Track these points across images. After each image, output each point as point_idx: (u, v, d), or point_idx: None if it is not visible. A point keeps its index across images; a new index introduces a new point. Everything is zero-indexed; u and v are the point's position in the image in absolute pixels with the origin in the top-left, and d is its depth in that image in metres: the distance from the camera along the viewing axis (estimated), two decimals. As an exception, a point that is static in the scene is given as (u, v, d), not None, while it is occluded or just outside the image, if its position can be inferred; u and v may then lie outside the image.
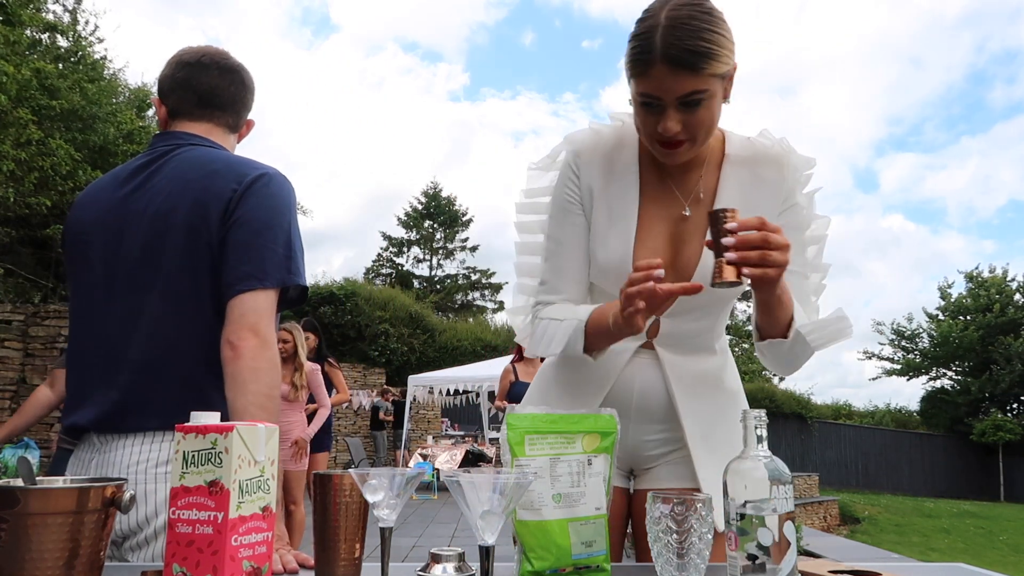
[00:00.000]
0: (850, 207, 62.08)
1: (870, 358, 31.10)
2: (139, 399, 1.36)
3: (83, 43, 12.59)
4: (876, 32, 59.15)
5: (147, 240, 1.41)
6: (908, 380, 30.54)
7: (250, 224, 1.39)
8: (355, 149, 59.38)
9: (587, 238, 1.43)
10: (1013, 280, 29.04)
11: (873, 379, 36.07)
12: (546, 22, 61.44)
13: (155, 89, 1.65)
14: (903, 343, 30.33)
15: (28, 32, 10.27)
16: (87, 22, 13.07)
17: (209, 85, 1.55)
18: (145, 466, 1.33)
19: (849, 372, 59.23)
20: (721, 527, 1.02)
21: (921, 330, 29.96)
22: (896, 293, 59.95)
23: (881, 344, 30.76)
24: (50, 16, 11.48)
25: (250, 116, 1.67)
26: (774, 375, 34.13)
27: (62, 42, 12.02)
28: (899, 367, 30.30)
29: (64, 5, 12.51)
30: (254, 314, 1.35)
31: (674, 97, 1.22)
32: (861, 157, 62.31)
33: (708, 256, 1.26)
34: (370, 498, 0.97)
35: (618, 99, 62.12)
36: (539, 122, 62.33)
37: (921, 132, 60.86)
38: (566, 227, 1.44)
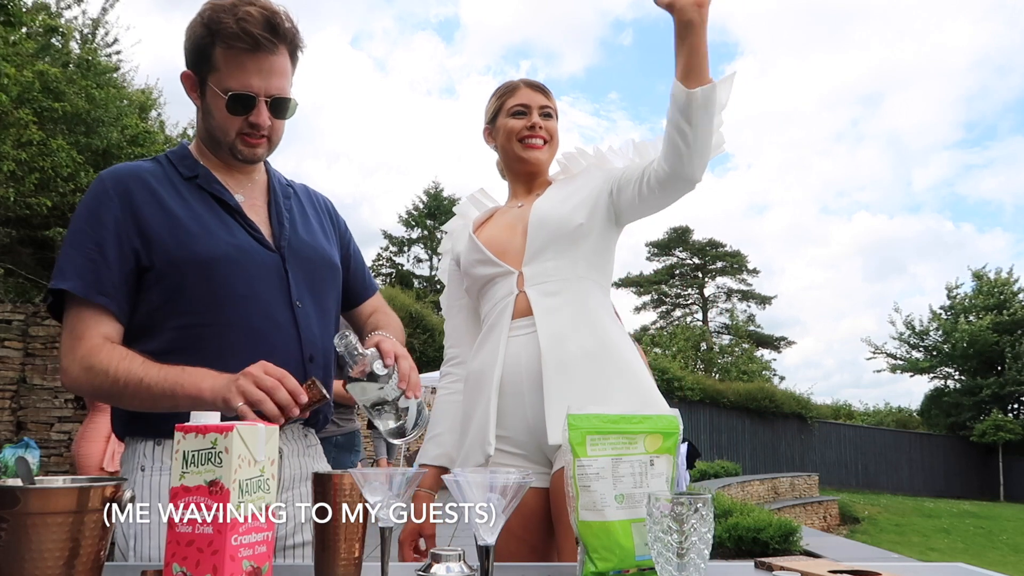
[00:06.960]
0: (901, 206, 61.51)
1: (876, 352, 30.82)
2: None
3: (98, 53, 12.45)
4: (955, 36, 57.77)
5: None
6: (912, 376, 30.28)
7: None
8: (381, 149, 59.45)
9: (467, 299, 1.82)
10: (1017, 280, 28.97)
11: (878, 372, 35.68)
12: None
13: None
14: (911, 339, 30.11)
15: (28, 33, 10.23)
16: (107, 33, 12.98)
17: None
18: None
19: (864, 372, 58.35)
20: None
21: (932, 327, 29.68)
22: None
23: (893, 342, 30.45)
24: (62, 20, 11.37)
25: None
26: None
27: (74, 47, 11.91)
28: (903, 363, 30.09)
29: (87, 13, 12.40)
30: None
31: (538, 105, 1.77)
32: (927, 159, 61.88)
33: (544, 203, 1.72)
34: (370, 498, 0.97)
35: (644, 101, 62.07)
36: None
37: (994, 135, 59.94)
38: (451, 294, 1.89)
